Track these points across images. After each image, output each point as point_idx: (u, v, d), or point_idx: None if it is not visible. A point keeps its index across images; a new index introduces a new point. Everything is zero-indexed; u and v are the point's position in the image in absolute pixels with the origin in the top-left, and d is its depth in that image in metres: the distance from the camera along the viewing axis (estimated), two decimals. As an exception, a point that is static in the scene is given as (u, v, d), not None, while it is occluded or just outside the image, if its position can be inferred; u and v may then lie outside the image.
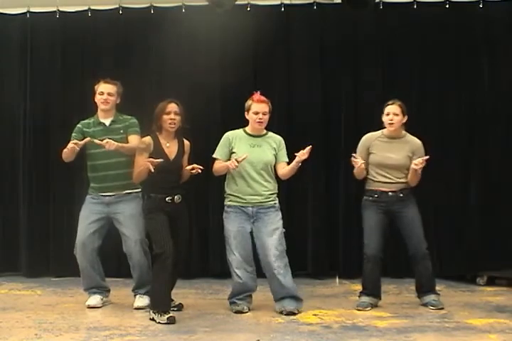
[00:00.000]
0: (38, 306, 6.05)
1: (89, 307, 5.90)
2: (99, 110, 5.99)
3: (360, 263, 7.11)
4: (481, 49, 7.50)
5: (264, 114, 5.74)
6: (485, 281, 7.04)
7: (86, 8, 7.67)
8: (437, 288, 6.07)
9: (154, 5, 7.63)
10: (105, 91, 5.93)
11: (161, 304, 5.34)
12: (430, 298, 5.88)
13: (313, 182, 7.43)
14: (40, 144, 7.70)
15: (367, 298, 5.90)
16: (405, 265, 7.32)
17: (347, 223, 7.51)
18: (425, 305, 5.88)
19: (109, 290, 6.13)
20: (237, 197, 5.71)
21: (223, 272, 7.11)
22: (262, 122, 5.75)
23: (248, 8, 7.56)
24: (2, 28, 7.83)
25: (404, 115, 5.88)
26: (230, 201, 5.75)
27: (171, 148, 5.65)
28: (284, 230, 5.75)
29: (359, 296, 5.98)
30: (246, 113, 5.81)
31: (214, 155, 5.82)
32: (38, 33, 7.76)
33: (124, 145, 5.76)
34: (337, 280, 7.39)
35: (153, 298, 5.47)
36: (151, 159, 5.41)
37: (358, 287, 6.93)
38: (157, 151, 5.57)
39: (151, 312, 5.40)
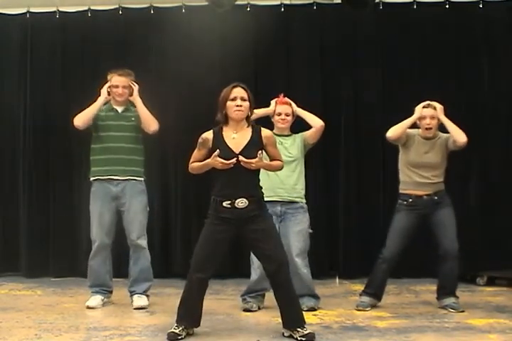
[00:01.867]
0: (37, 306, 6.04)
1: (89, 308, 5.90)
2: (112, 99, 6.07)
3: (360, 263, 7.16)
4: (481, 49, 7.52)
5: (286, 115, 5.83)
6: (485, 281, 7.05)
7: (86, 8, 7.69)
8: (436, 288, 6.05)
9: (154, 5, 7.65)
10: (120, 85, 6.01)
11: (179, 316, 4.90)
12: (451, 300, 5.80)
13: (312, 182, 7.42)
14: (40, 144, 7.71)
15: (367, 299, 5.89)
16: (405, 265, 7.34)
17: (347, 223, 7.52)
18: (444, 307, 5.79)
19: (111, 292, 6.13)
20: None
21: (223, 272, 7.12)
22: (285, 122, 5.82)
23: (248, 9, 7.58)
24: (2, 28, 7.85)
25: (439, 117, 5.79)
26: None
27: (238, 140, 4.80)
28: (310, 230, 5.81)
29: (360, 295, 5.96)
30: (271, 116, 5.89)
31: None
32: (37, 33, 7.78)
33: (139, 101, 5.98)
34: (337, 280, 7.40)
35: (180, 311, 4.95)
36: (216, 157, 4.69)
37: (358, 287, 6.94)
38: (218, 146, 4.77)
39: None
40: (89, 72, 7.64)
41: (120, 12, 7.67)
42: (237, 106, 4.78)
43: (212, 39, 7.43)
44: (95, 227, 5.96)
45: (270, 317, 5.41)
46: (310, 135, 5.90)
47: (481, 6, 7.46)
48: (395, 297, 6.48)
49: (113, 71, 6.08)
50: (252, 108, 4.86)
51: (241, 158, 4.69)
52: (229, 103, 4.80)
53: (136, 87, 6.04)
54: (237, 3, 7.36)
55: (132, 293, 6.03)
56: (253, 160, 4.69)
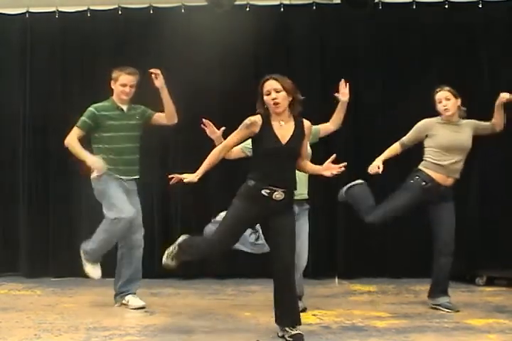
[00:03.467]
0: (37, 306, 6.05)
1: (88, 276, 5.92)
2: (116, 97, 6.01)
3: (360, 263, 7.17)
4: (481, 49, 7.51)
5: None
6: (484, 281, 7.05)
7: (85, 8, 7.68)
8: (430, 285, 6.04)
9: (153, 5, 7.64)
10: (128, 84, 5.97)
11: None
12: (445, 299, 5.79)
13: (312, 181, 7.42)
14: (39, 144, 7.71)
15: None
16: (405, 265, 7.36)
17: (346, 223, 7.51)
18: (437, 306, 5.78)
19: None
20: None
21: (222, 272, 7.14)
22: None
23: (247, 9, 7.57)
24: (1, 28, 7.85)
25: (456, 98, 5.82)
26: None
27: (284, 130, 4.74)
28: None
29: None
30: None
31: None
32: (37, 33, 7.77)
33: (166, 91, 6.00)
34: (336, 280, 7.40)
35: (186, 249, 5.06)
36: (180, 176, 4.78)
37: (358, 287, 6.98)
38: (266, 133, 4.70)
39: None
40: (89, 71, 7.65)
41: (120, 12, 7.67)
42: (273, 99, 4.71)
43: (211, 39, 7.42)
44: (122, 201, 5.81)
45: (270, 318, 5.39)
46: (322, 129, 5.86)
47: (480, 6, 7.46)
48: (394, 297, 6.49)
49: (120, 69, 6.01)
50: (292, 95, 4.78)
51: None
52: (265, 98, 4.74)
53: (161, 76, 5.96)
54: (237, 3, 7.37)
55: (126, 293, 6.00)
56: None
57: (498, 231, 7.38)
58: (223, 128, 5.46)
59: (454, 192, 5.87)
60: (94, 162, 5.79)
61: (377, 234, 7.47)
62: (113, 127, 5.91)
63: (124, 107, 6.00)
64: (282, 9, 7.59)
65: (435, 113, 5.89)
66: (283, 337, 4.74)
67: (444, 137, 5.78)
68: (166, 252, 5.03)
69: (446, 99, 5.81)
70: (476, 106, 7.40)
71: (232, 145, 4.86)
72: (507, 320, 5.39)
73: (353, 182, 6.01)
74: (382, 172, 5.77)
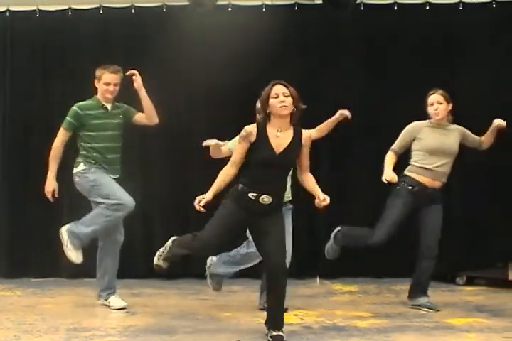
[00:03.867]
0: (17, 307, 6.01)
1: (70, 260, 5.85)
2: (101, 96, 5.97)
3: (341, 263, 7.14)
4: (461, 49, 7.55)
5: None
6: (464, 281, 7.09)
7: (66, 7, 7.64)
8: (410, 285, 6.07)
9: (135, 5, 7.62)
10: (112, 82, 5.93)
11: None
12: (425, 299, 5.82)
13: (294, 182, 7.45)
14: (20, 144, 7.66)
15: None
16: (385, 265, 7.38)
17: (328, 223, 7.51)
18: (417, 306, 5.80)
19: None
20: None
21: (204, 273, 7.10)
22: None
23: (229, 9, 7.57)
24: (-19, 27, 7.79)
25: (448, 103, 5.84)
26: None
27: (281, 140, 4.73)
28: None
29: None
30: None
31: None
32: (17, 32, 7.70)
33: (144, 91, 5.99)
34: (317, 280, 7.41)
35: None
36: (200, 197, 4.74)
37: (339, 287, 7.00)
38: (261, 142, 4.70)
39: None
40: (70, 71, 7.61)
41: (101, 11, 7.63)
42: (281, 102, 4.71)
43: (193, 39, 7.41)
44: (120, 190, 5.83)
45: (251, 318, 5.42)
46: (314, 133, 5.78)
47: (460, 7, 7.51)
48: (375, 297, 6.52)
49: (103, 67, 5.98)
50: (296, 104, 4.80)
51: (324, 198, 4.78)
52: (272, 101, 4.73)
53: (139, 77, 5.98)
54: (219, 3, 7.38)
55: (110, 293, 5.98)
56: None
57: (478, 232, 7.41)
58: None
59: (442, 195, 5.90)
60: (52, 188, 5.91)
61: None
62: (97, 126, 5.88)
63: (108, 106, 5.97)
64: (264, 9, 7.59)
65: (420, 113, 5.90)
66: (266, 335, 4.76)
67: (431, 140, 5.80)
68: (157, 254, 5.00)
69: (438, 103, 5.83)
70: (458, 106, 7.49)
71: (239, 160, 4.79)
72: (486, 319, 5.43)
73: (333, 233, 6.04)
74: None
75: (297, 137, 4.78)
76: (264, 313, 4.88)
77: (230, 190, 4.80)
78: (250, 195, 4.67)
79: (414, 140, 5.86)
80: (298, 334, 4.93)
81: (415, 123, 5.91)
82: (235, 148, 4.89)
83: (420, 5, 7.55)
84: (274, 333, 4.70)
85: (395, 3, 7.55)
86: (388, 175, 5.67)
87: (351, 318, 5.47)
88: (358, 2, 7.51)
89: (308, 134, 4.88)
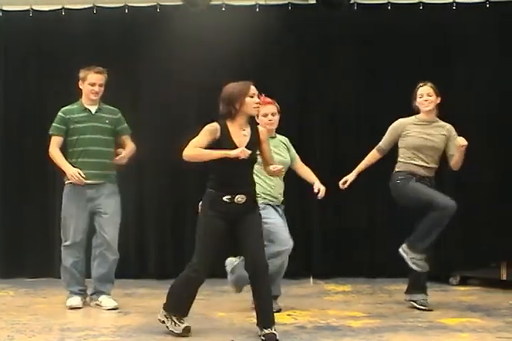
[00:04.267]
0: (10, 307, 5.99)
1: (72, 308, 5.84)
2: (85, 97, 5.92)
3: (335, 263, 7.18)
4: (455, 49, 7.57)
5: (272, 114, 5.74)
6: (458, 281, 7.11)
7: (60, 7, 7.63)
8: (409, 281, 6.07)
9: (129, 4, 7.61)
10: (97, 83, 5.87)
11: (178, 308, 4.93)
12: (422, 296, 5.82)
13: (288, 182, 7.45)
14: (14, 144, 7.64)
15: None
16: (379, 265, 7.40)
17: (321, 223, 7.53)
18: (413, 301, 5.80)
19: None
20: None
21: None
22: (272, 123, 5.75)
23: (223, 9, 7.57)
24: (-26, 27, 7.77)
25: (437, 96, 5.84)
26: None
27: (242, 137, 4.81)
28: None
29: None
30: (256, 117, 5.81)
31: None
32: (11, 33, 7.69)
33: (128, 152, 5.97)
34: (311, 280, 7.41)
35: (171, 301, 4.95)
36: (246, 150, 4.64)
37: (332, 287, 7.00)
38: (224, 140, 4.75)
39: (163, 314, 4.99)
40: (64, 71, 7.59)
41: (94, 11, 7.63)
42: (257, 103, 4.85)
43: (186, 39, 7.40)
44: (72, 228, 5.86)
45: (244, 317, 5.42)
46: (295, 167, 5.97)
47: (454, 7, 7.52)
48: (368, 297, 6.52)
49: (87, 68, 5.93)
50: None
51: (275, 166, 4.83)
52: (248, 99, 4.80)
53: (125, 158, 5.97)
54: (212, 3, 7.39)
55: (100, 294, 5.97)
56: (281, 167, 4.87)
57: (472, 232, 7.42)
58: None
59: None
60: (73, 174, 5.76)
61: (352, 234, 7.52)
62: (77, 130, 5.82)
63: (93, 108, 5.90)
64: (258, 9, 7.60)
65: (412, 112, 5.91)
66: (259, 335, 4.75)
67: (416, 137, 5.80)
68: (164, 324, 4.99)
69: (428, 95, 5.83)
70: (450, 107, 7.51)
71: (203, 147, 4.78)
72: (479, 319, 5.43)
73: (403, 250, 5.74)
74: None
75: (255, 133, 4.89)
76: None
77: (202, 198, 4.85)
78: (225, 198, 4.73)
79: (399, 137, 5.87)
80: (291, 334, 4.93)
81: (400, 120, 5.92)
82: (200, 137, 4.78)
83: (414, 5, 7.56)
84: (266, 331, 4.69)
85: (389, 3, 7.57)
86: (342, 182, 5.98)
87: (345, 318, 5.47)
88: (351, 2, 7.53)
89: (264, 129, 5.04)
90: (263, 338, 4.68)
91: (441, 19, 7.55)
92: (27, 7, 7.64)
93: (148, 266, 7.60)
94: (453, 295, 6.59)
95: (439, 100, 5.87)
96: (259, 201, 5.17)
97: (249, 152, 4.66)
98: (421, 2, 7.55)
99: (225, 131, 4.78)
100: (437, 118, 5.92)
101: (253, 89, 4.85)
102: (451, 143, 5.84)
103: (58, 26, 7.66)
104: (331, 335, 4.90)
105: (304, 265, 7.53)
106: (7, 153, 7.68)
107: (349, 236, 7.51)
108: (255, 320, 4.83)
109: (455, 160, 5.82)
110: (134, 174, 7.48)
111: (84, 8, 7.64)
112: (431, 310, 5.72)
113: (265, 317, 4.76)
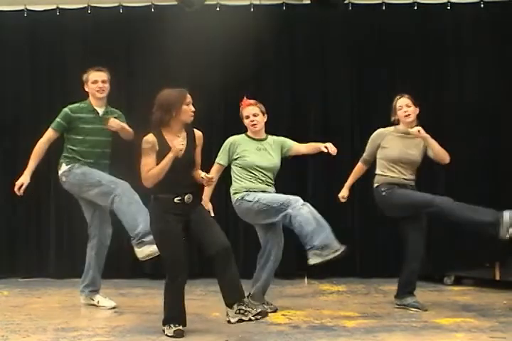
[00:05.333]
0: (4, 307, 5.99)
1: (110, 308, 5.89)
2: (92, 98, 5.88)
3: (329, 263, 7.11)
4: (450, 49, 7.59)
5: (254, 115, 5.72)
6: (452, 281, 7.11)
7: (54, 7, 7.61)
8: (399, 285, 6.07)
9: (123, 4, 7.60)
10: (99, 79, 5.84)
11: (171, 317, 4.95)
12: (413, 299, 5.81)
13: (282, 182, 7.45)
14: (7, 144, 7.63)
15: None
16: (374, 265, 7.40)
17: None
18: (405, 305, 5.79)
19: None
20: None
21: (191, 273, 7.09)
22: (255, 124, 5.73)
23: (218, 8, 7.57)
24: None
25: (415, 106, 5.83)
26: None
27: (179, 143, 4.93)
28: None
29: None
30: (242, 120, 5.82)
31: (217, 161, 5.78)
32: (5, 32, 7.67)
33: (125, 126, 5.83)
34: (306, 280, 7.41)
35: (165, 311, 4.99)
36: (177, 143, 4.82)
37: (327, 287, 7.00)
38: (163, 149, 4.85)
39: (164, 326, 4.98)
40: (58, 71, 7.59)
41: (89, 11, 7.61)
42: (193, 111, 4.96)
43: (181, 39, 7.40)
44: (107, 176, 5.82)
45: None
46: (295, 150, 5.88)
47: (448, 7, 7.53)
48: (363, 297, 6.52)
49: (87, 70, 5.91)
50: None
51: (204, 174, 4.95)
52: (185, 107, 4.91)
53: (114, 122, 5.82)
54: (207, 3, 7.39)
55: (93, 291, 5.97)
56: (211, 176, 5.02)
57: (466, 232, 7.41)
58: None
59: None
60: (22, 182, 5.83)
61: (346, 234, 7.51)
62: (85, 130, 5.79)
63: (100, 110, 5.87)
64: (252, 9, 7.59)
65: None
66: (240, 320, 4.73)
67: (394, 150, 5.79)
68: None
69: (407, 106, 5.83)
70: (447, 106, 7.52)
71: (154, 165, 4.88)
72: (474, 319, 5.44)
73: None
74: None
75: (191, 137, 5.00)
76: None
77: (149, 209, 5.05)
78: (175, 199, 4.86)
79: (379, 147, 5.87)
80: (286, 334, 4.94)
81: (380, 131, 5.93)
82: (144, 161, 4.86)
83: (408, 5, 7.57)
84: (254, 310, 4.72)
85: (383, 3, 7.57)
86: (339, 196, 6.08)
87: (339, 318, 5.48)
88: (346, 2, 7.53)
89: (200, 134, 5.09)
90: (258, 316, 4.70)
91: (436, 19, 7.57)
92: (21, 7, 7.62)
93: (143, 266, 7.57)
94: (447, 295, 6.60)
95: (417, 110, 5.86)
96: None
97: (182, 142, 4.83)
98: (416, 2, 7.56)
99: (162, 141, 4.88)
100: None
101: (189, 97, 4.96)
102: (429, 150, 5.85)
103: (53, 26, 7.64)
104: (326, 335, 4.90)
105: (299, 265, 7.52)
106: (0, 152, 7.66)
107: (344, 236, 7.48)
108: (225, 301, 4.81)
109: (433, 153, 5.78)
110: (129, 174, 7.45)
111: (79, 8, 7.62)
112: (426, 310, 5.72)
113: (235, 293, 4.79)
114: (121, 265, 7.31)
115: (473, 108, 7.53)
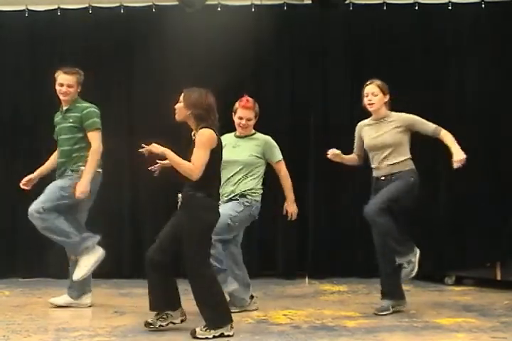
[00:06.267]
0: (5, 307, 5.99)
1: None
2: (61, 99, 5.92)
3: (330, 263, 7.16)
4: (449, 49, 7.59)
5: (248, 119, 5.75)
6: (453, 281, 7.11)
7: (55, 7, 7.61)
8: (406, 287, 6.09)
9: (124, 4, 7.60)
10: (65, 83, 5.80)
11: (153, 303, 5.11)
12: (389, 303, 5.75)
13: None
14: (5, 144, 7.62)
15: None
16: (374, 264, 7.39)
17: (316, 223, 7.53)
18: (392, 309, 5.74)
19: None
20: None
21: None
22: (245, 127, 5.77)
23: (219, 9, 7.56)
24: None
25: (384, 94, 5.72)
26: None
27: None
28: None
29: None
30: (233, 114, 5.83)
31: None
32: (6, 32, 7.67)
33: (87, 168, 5.72)
34: (306, 280, 7.41)
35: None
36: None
37: (327, 287, 7.00)
38: (218, 147, 4.93)
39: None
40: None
41: (90, 11, 7.61)
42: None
43: (182, 39, 7.41)
44: None
45: (239, 317, 5.41)
46: (275, 168, 5.93)
47: (450, 7, 7.53)
48: (364, 297, 6.52)
49: (60, 69, 5.90)
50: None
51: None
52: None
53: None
54: (208, 3, 7.40)
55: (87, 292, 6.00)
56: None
57: (466, 231, 7.44)
58: None
59: (411, 174, 5.68)
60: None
61: (347, 234, 7.52)
62: (56, 132, 5.88)
63: (65, 108, 5.86)
64: (253, 9, 7.59)
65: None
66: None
67: (367, 139, 5.78)
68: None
69: (372, 95, 5.71)
70: (440, 107, 7.52)
71: None
72: (475, 319, 5.44)
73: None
74: None
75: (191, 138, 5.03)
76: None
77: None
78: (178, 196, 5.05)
79: (361, 140, 5.87)
80: (287, 334, 4.94)
81: (359, 124, 5.92)
82: (205, 155, 4.85)
83: (409, 5, 7.57)
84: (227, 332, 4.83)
85: (384, 3, 7.57)
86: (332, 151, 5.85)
87: (340, 318, 5.48)
88: (346, 2, 7.53)
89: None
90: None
91: (437, 19, 7.57)
92: (23, 7, 7.62)
93: (143, 265, 7.58)
94: (448, 295, 6.60)
95: (387, 98, 5.74)
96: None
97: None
98: (416, 2, 7.56)
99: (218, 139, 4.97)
100: (390, 113, 5.77)
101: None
102: (418, 126, 5.69)
103: (54, 26, 7.64)
104: (327, 335, 4.90)
105: (299, 265, 7.53)
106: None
107: (344, 236, 7.51)
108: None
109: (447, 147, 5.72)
110: (129, 174, 7.47)
111: (80, 8, 7.62)
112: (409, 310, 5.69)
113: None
114: (122, 265, 7.32)
115: (473, 108, 7.54)
